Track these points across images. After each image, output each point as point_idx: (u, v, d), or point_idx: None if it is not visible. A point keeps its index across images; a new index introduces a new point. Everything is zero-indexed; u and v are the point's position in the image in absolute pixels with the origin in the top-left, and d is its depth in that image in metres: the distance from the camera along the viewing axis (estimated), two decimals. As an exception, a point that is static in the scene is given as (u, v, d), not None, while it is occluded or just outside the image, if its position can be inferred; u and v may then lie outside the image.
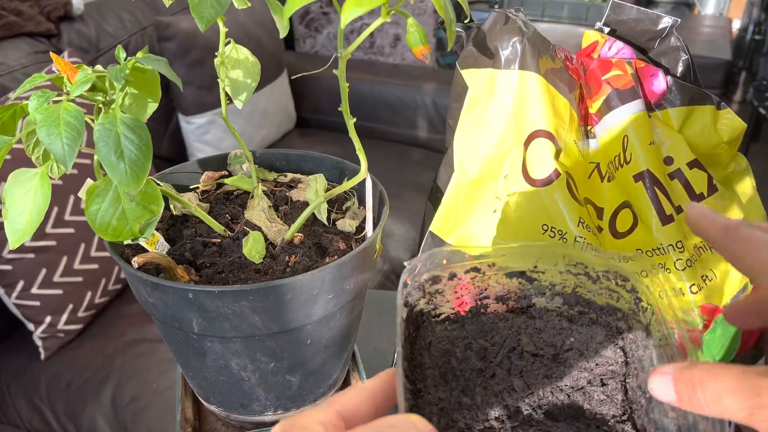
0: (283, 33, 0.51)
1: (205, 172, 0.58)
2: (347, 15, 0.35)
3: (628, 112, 0.55)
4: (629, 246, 0.55)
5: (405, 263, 0.47)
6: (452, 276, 0.49)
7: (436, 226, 0.57)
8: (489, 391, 0.45)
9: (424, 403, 0.44)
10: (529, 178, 0.54)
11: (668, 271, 0.54)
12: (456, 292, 0.51)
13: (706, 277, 0.54)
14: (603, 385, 0.46)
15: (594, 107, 0.56)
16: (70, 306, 1.23)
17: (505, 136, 0.55)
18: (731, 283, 0.55)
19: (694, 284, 0.54)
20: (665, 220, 0.54)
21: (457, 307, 0.51)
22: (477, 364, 0.47)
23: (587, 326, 0.49)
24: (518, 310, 0.50)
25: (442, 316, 0.50)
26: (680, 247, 0.54)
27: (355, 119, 0.46)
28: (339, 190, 0.50)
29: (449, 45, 0.45)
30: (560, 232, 0.53)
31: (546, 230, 0.53)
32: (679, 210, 0.56)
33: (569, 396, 0.45)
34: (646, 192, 0.54)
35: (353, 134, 0.46)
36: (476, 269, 0.49)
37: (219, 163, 0.59)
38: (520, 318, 0.50)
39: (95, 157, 0.40)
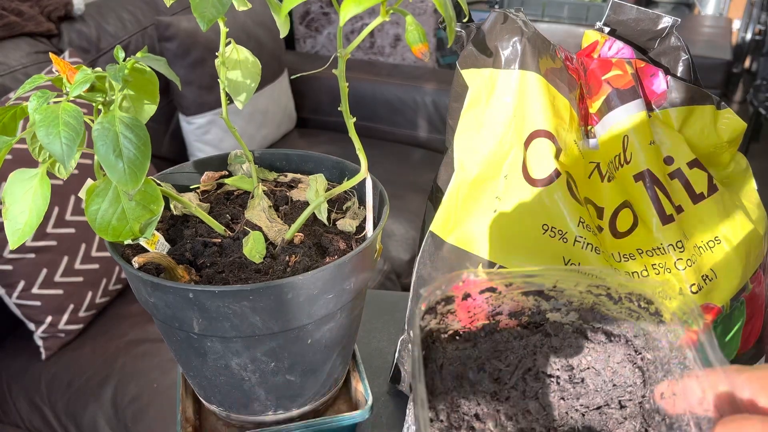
0: (283, 33, 0.51)
1: (206, 172, 0.58)
2: (346, 13, 0.35)
3: (628, 111, 0.55)
4: (629, 246, 0.55)
5: (422, 291, 0.45)
6: (466, 296, 0.47)
7: (436, 226, 0.57)
8: (503, 415, 0.44)
9: (434, 430, 0.43)
10: (529, 178, 0.54)
11: (668, 271, 0.54)
12: (469, 311, 0.49)
13: (707, 276, 0.54)
14: (621, 407, 0.45)
15: (594, 107, 0.57)
16: (71, 306, 1.23)
17: (505, 135, 0.55)
18: (731, 282, 0.55)
19: (694, 284, 0.54)
20: (665, 219, 0.54)
21: (469, 324, 0.50)
22: (490, 387, 0.45)
23: (604, 344, 0.47)
24: (532, 326, 0.49)
25: (451, 332, 0.49)
26: (680, 246, 0.54)
27: (354, 119, 0.46)
28: (339, 189, 0.50)
29: (449, 42, 0.45)
30: (560, 232, 0.53)
31: (546, 230, 0.53)
32: (679, 210, 0.55)
33: (584, 416, 0.44)
34: (646, 192, 0.54)
35: (353, 134, 0.46)
36: (492, 289, 0.47)
37: (219, 163, 0.59)
38: (535, 336, 0.48)
39: (95, 157, 0.40)
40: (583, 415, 0.44)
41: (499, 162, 0.55)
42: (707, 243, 0.55)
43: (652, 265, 0.54)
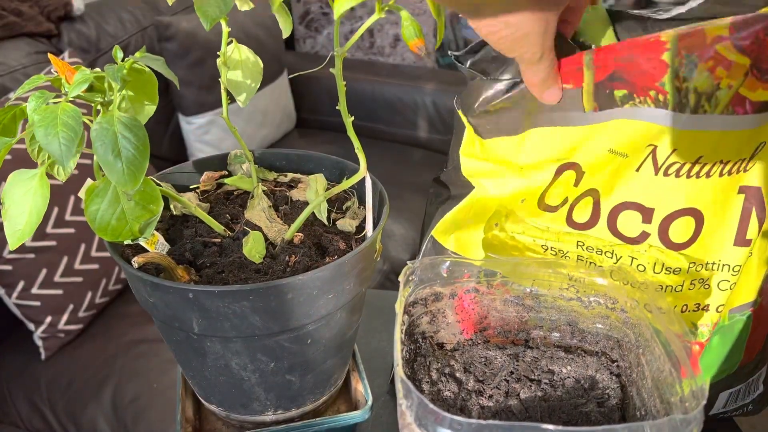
0: (286, 32, 0.51)
1: (205, 172, 0.58)
2: (339, 7, 0.35)
3: None
4: (684, 260, 0.49)
5: (408, 262, 0.47)
6: (453, 295, 0.50)
7: (438, 231, 0.56)
8: (486, 411, 0.46)
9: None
10: (542, 203, 0.51)
11: (707, 286, 0.50)
12: (457, 314, 0.51)
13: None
14: (599, 405, 0.47)
15: (761, 94, 0.43)
16: (71, 306, 1.23)
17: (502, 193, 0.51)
18: (745, 297, 0.51)
19: (722, 305, 0.50)
20: (741, 242, 0.48)
21: (459, 334, 0.51)
22: (475, 386, 0.48)
23: (582, 357, 0.50)
24: (518, 343, 0.52)
25: (442, 342, 0.51)
26: (736, 271, 0.49)
27: (353, 118, 0.46)
28: (338, 189, 0.50)
29: (437, 44, 0.45)
30: (561, 251, 0.52)
31: (546, 249, 0.52)
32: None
33: (567, 414, 0.46)
34: (741, 206, 0.47)
35: (351, 133, 0.46)
36: (476, 290, 0.50)
37: (219, 163, 0.59)
38: (518, 347, 0.51)
39: (95, 157, 0.40)
40: (566, 412, 0.46)
41: (523, 194, 0.51)
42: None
43: (692, 281, 0.49)
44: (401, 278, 0.46)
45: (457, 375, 0.48)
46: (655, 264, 0.50)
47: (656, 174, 0.46)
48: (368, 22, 0.41)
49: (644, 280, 0.48)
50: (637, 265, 0.50)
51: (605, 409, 0.46)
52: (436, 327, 0.51)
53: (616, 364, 0.49)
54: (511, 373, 0.48)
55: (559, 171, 0.49)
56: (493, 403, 0.46)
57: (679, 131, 0.44)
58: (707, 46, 0.42)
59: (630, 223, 0.49)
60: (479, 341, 0.52)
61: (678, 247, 0.48)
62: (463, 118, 0.50)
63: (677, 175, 0.46)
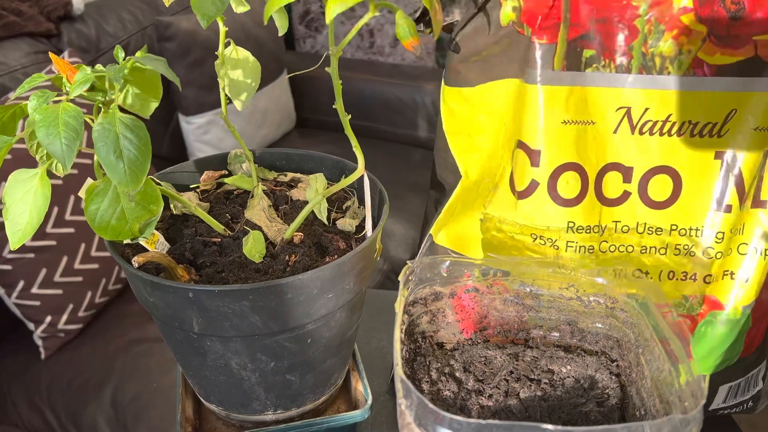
0: (281, 31, 0.51)
1: (205, 172, 0.58)
2: (332, 10, 0.36)
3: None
4: (664, 220, 0.51)
5: (408, 262, 0.47)
6: (453, 294, 0.50)
7: (435, 229, 0.57)
8: (486, 410, 0.46)
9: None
10: (514, 191, 0.53)
11: (692, 254, 0.51)
12: (457, 313, 0.51)
13: (727, 272, 0.51)
14: (599, 405, 0.47)
15: (719, 59, 0.47)
16: (71, 306, 1.23)
17: (494, 147, 0.53)
18: (751, 295, 0.51)
19: (710, 275, 0.51)
20: (721, 207, 0.50)
21: (459, 333, 0.51)
22: (475, 386, 0.48)
23: (582, 356, 0.50)
24: (518, 342, 0.52)
25: (442, 342, 0.52)
26: (720, 238, 0.50)
27: (350, 116, 0.46)
28: (337, 188, 0.50)
29: (435, 35, 0.45)
30: (550, 240, 0.52)
31: (536, 239, 0.52)
32: (742, 206, 0.50)
33: (566, 413, 0.46)
34: (719, 173, 0.49)
35: (348, 131, 0.46)
36: (476, 289, 0.50)
37: (219, 162, 0.59)
38: (518, 346, 0.51)
39: (95, 156, 0.40)
40: (566, 412, 0.47)
41: (494, 171, 0.54)
42: (742, 245, 0.50)
43: (676, 245, 0.50)
44: (401, 278, 0.47)
45: (457, 374, 0.48)
46: (638, 224, 0.51)
47: (633, 133, 0.49)
48: (362, 21, 0.41)
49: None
50: (622, 227, 0.51)
51: (605, 409, 0.46)
52: (435, 326, 0.51)
53: (615, 363, 0.50)
54: (511, 372, 0.48)
55: (516, 151, 0.51)
56: (492, 403, 0.46)
57: (645, 91, 0.48)
58: (674, 17, 0.46)
59: (612, 184, 0.51)
60: (479, 341, 0.52)
61: (658, 206, 0.51)
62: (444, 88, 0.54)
63: (651, 133, 0.49)
